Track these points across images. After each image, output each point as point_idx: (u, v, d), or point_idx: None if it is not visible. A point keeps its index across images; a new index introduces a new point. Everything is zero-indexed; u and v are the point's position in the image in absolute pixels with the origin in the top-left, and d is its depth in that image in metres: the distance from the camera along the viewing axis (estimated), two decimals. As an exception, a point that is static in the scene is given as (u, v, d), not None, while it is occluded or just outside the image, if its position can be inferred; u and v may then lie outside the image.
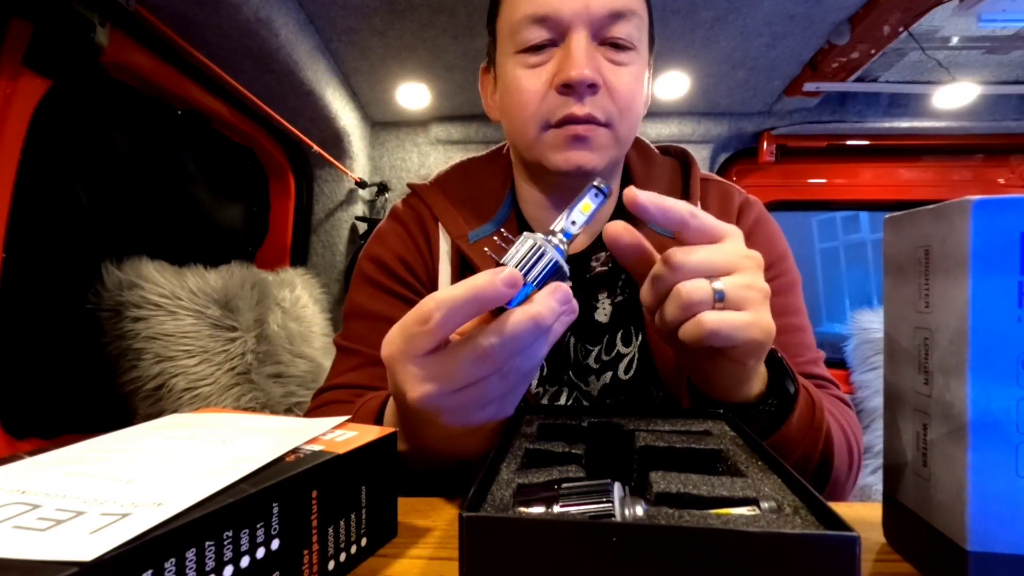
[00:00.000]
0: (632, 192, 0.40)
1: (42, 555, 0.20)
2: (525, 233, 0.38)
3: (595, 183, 0.41)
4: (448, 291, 0.34)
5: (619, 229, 0.42)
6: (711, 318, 0.39)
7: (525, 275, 0.35)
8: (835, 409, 0.57)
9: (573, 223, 0.40)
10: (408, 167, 1.91)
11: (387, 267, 0.67)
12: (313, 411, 0.62)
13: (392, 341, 0.36)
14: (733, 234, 0.42)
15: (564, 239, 0.39)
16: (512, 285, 0.34)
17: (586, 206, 0.40)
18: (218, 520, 0.24)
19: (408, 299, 0.66)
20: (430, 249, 0.67)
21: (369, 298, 0.67)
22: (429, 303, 0.34)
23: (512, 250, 0.37)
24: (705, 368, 0.46)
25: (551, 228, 0.40)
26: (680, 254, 0.40)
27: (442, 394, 0.35)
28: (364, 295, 0.67)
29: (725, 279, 0.40)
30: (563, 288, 0.36)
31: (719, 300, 0.39)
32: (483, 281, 0.33)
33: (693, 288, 0.39)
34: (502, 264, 0.36)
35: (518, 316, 0.34)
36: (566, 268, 0.38)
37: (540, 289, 0.36)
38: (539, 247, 0.36)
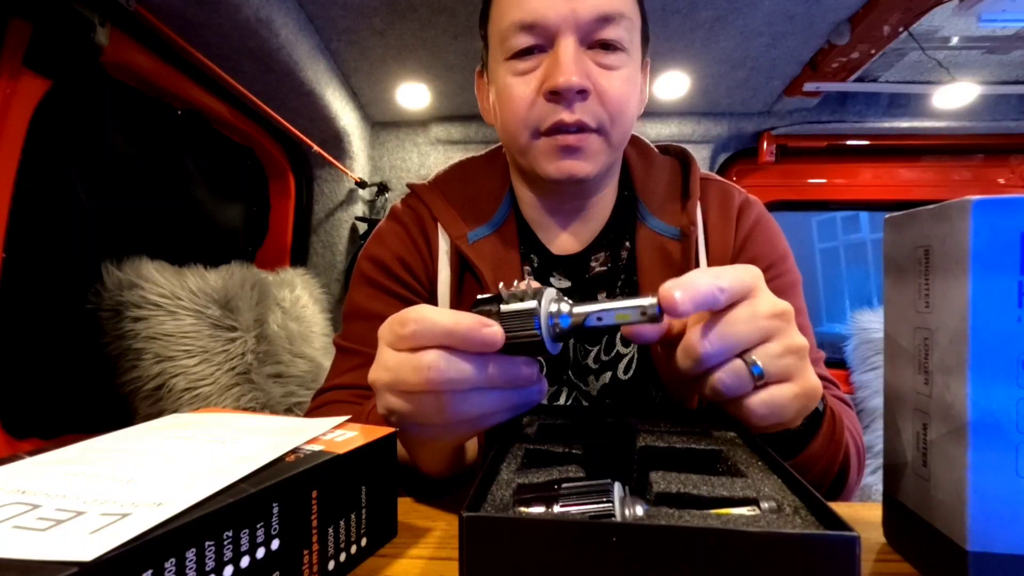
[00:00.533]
0: (670, 298, 0.35)
1: (42, 555, 0.20)
2: (547, 290, 0.37)
3: (649, 303, 0.35)
4: (434, 312, 0.35)
5: (641, 332, 0.38)
6: (757, 403, 0.36)
7: (508, 331, 0.35)
8: (843, 415, 0.57)
9: (599, 320, 0.36)
10: (408, 167, 1.91)
11: (386, 267, 0.67)
12: (314, 411, 0.62)
13: (383, 326, 0.38)
14: (758, 284, 0.37)
15: (579, 321, 0.36)
16: (488, 345, 0.34)
17: (623, 316, 0.36)
18: (218, 520, 0.24)
19: (407, 299, 0.66)
20: (429, 249, 0.67)
21: (368, 298, 0.67)
22: (413, 312, 0.36)
23: (518, 299, 0.36)
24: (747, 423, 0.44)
25: (574, 304, 0.37)
26: (705, 342, 0.36)
27: (388, 386, 0.37)
28: (363, 295, 0.67)
29: (760, 351, 0.36)
30: (527, 371, 0.36)
31: (758, 376, 0.36)
32: (466, 324, 0.34)
33: (728, 377, 0.36)
34: (501, 309, 0.36)
35: (468, 368, 0.34)
36: (549, 347, 0.36)
37: (515, 349, 0.35)
38: (534, 318, 0.35)
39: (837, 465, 0.49)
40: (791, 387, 0.37)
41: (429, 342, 0.35)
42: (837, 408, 0.50)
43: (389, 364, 0.36)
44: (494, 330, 0.34)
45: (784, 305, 0.38)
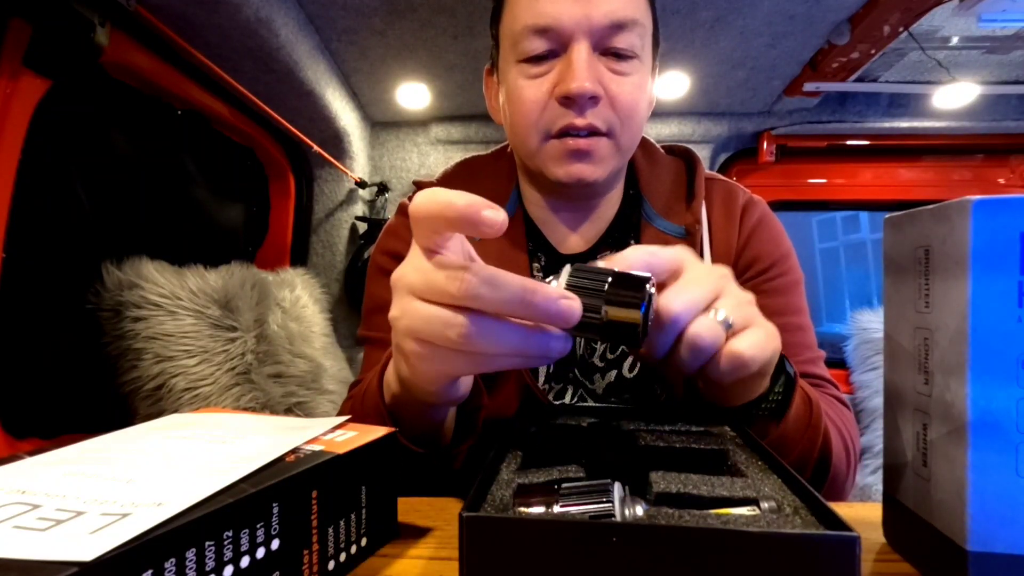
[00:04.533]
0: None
1: (42, 555, 0.20)
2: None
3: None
4: (496, 271, 0.33)
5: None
6: (739, 346, 0.37)
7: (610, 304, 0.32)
8: (831, 411, 0.57)
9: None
10: (408, 167, 1.91)
11: (402, 258, 0.67)
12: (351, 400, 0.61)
13: (407, 270, 0.37)
14: (688, 257, 0.40)
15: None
16: (564, 320, 0.31)
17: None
18: (218, 520, 0.24)
19: None
20: None
21: (388, 290, 0.67)
22: (469, 266, 0.33)
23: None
24: (723, 385, 0.44)
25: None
26: (672, 303, 0.37)
27: (412, 333, 0.35)
28: (383, 287, 0.67)
29: (720, 304, 0.38)
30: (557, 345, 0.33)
31: (728, 329, 0.37)
32: (543, 292, 0.31)
33: (703, 330, 0.36)
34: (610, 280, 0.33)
35: (512, 279, 0.31)
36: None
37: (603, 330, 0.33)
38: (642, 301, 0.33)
39: (816, 452, 0.49)
40: (758, 329, 0.39)
41: (486, 306, 0.32)
42: (815, 397, 0.50)
43: (417, 266, 0.34)
44: (572, 304, 0.31)
45: (719, 268, 0.41)
